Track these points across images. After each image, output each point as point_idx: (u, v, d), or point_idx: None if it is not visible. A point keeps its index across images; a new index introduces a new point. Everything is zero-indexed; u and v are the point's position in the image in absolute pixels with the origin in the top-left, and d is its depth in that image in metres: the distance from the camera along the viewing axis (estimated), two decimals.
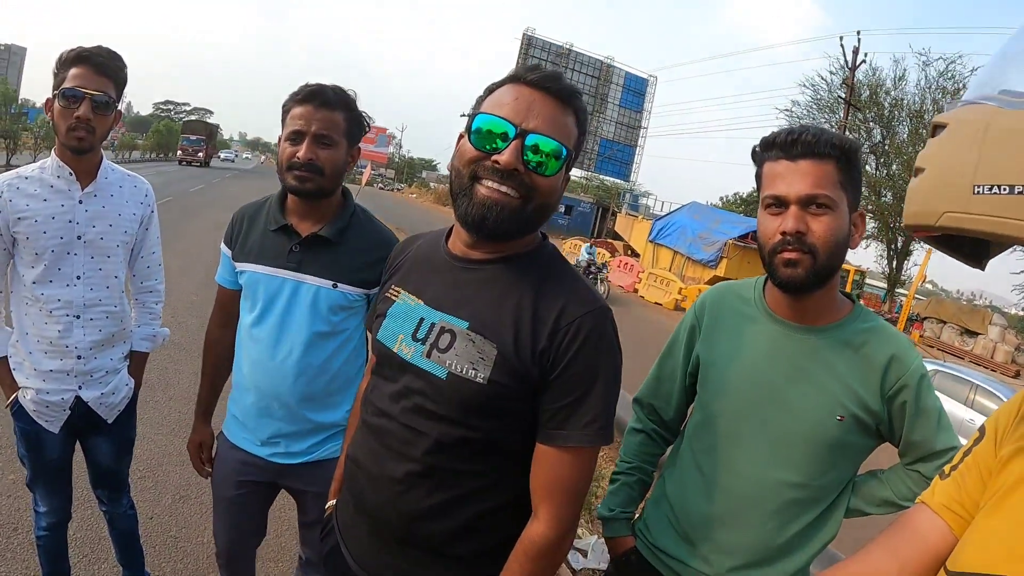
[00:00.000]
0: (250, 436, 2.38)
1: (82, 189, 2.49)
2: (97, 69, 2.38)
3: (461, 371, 1.51)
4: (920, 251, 34.23)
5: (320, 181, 2.18)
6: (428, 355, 1.56)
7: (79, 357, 2.55)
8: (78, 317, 2.52)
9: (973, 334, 32.35)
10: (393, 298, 1.72)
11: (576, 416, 1.50)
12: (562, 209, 43.52)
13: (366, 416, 1.73)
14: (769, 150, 1.73)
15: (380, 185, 79.73)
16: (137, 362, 2.83)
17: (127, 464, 2.93)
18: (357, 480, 1.72)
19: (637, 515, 2.14)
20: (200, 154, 57.28)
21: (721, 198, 52.76)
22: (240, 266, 2.35)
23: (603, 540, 4.00)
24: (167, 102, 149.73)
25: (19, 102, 39.10)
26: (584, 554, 4.38)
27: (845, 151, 1.66)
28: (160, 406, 5.63)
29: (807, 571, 1.88)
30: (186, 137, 59.40)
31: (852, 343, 1.76)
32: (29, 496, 3.16)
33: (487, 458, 1.59)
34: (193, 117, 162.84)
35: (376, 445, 1.66)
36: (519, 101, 1.47)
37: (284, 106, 2.24)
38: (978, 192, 0.81)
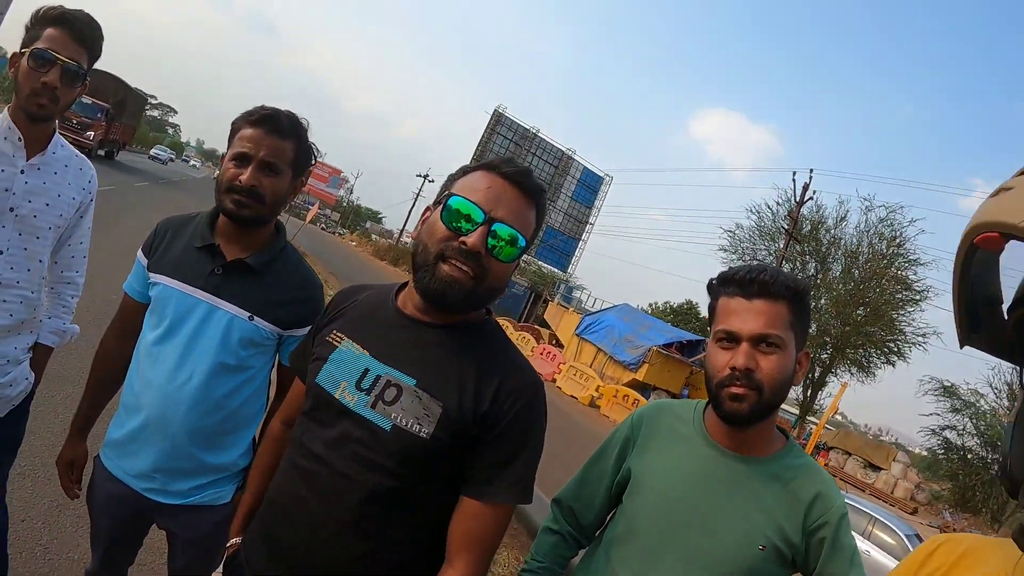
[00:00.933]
0: (127, 465, 2.20)
1: (27, 159, 2.28)
2: (75, 35, 2.21)
3: (406, 425, 1.59)
4: (835, 383, 35.22)
5: (259, 209, 2.11)
6: (373, 406, 1.62)
7: None
8: None
9: (876, 468, 33.36)
10: (335, 343, 1.75)
11: (504, 475, 1.62)
12: None
13: (296, 458, 1.73)
14: (726, 285, 1.80)
15: (323, 226, 78.85)
16: (41, 356, 2.59)
17: (9, 464, 2.66)
18: (275, 523, 1.74)
19: None
20: (91, 133, 29.79)
21: (651, 304, 53.63)
22: (155, 277, 2.21)
23: None
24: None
25: None
26: None
27: (798, 293, 1.75)
28: (55, 403, 5.25)
29: None
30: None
31: (782, 477, 1.80)
32: None
33: (415, 509, 1.66)
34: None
35: (304, 490, 1.67)
36: (491, 190, 1.60)
37: (234, 124, 2.15)
38: None
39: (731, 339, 1.75)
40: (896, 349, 35.98)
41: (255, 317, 2.15)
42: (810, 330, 1.85)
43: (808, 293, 1.80)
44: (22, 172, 2.27)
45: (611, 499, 2.06)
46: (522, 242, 1.63)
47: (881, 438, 45.56)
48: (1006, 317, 0.94)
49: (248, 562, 1.82)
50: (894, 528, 12.94)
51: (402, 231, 78.94)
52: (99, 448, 2.33)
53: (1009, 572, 0.95)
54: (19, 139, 2.25)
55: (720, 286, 1.83)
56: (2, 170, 2.23)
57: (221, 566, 1.98)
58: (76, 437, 2.46)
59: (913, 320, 35.16)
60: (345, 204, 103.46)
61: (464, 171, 1.70)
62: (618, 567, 1.90)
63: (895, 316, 35.34)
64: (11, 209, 2.25)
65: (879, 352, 36.40)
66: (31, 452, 4.32)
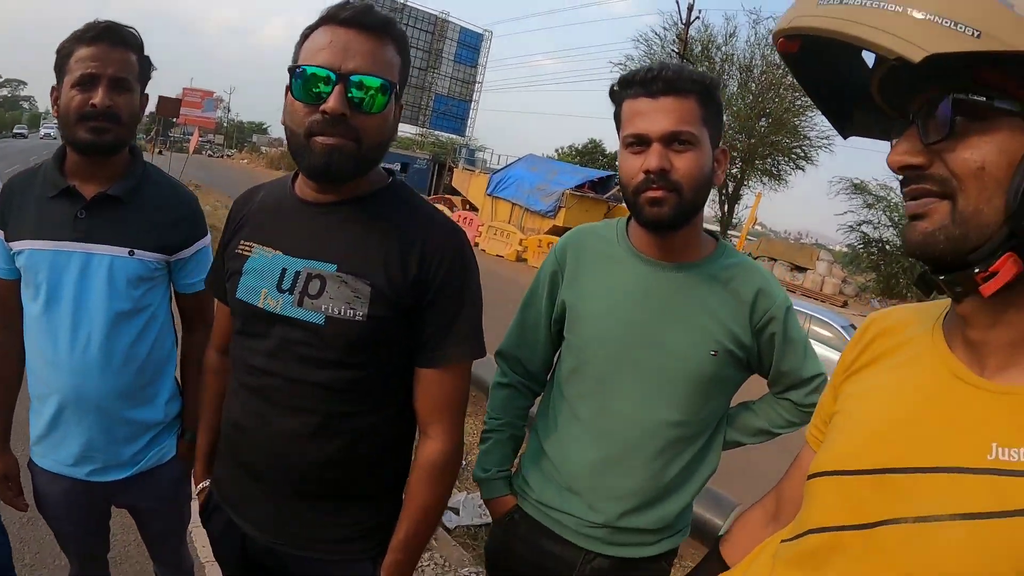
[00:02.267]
0: (61, 455, 2.08)
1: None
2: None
3: (339, 313, 1.54)
4: (750, 195, 36.17)
5: (119, 132, 1.93)
6: (300, 304, 1.57)
7: None
8: None
9: (803, 270, 34.85)
10: (246, 253, 1.66)
11: (452, 335, 1.60)
12: (398, 166, 43.26)
13: (242, 378, 1.68)
14: (628, 88, 1.70)
15: (209, 152, 75.84)
16: None
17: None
18: (242, 446, 1.70)
19: (514, 471, 2.11)
20: None
21: (556, 150, 53.64)
22: (16, 245, 1.99)
23: (473, 497, 4.48)
24: None
25: None
26: (456, 512, 4.43)
27: (706, 86, 1.66)
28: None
29: (691, 507, 1.95)
30: None
31: (720, 278, 1.77)
32: None
33: (375, 394, 1.64)
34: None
35: (262, 405, 1.63)
36: (334, 44, 1.46)
37: (64, 48, 1.94)
38: (821, 4, 0.91)
39: (641, 142, 1.66)
40: (803, 154, 37.43)
41: (136, 251, 2.00)
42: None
43: (718, 87, 1.72)
44: None
45: (553, 338, 2.02)
46: (387, 85, 1.48)
47: (802, 241, 47.14)
48: (873, 94, 1.00)
49: (225, 497, 1.79)
50: (830, 322, 13.38)
51: None
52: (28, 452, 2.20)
53: (930, 327, 1.04)
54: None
55: (623, 89, 1.72)
56: None
57: (197, 515, 1.95)
58: None
59: (816, 124, 35.99)
60: (226, 124, 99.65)
61: (304, 36, 1.54)
62: (577, 403, 1.88)
63: (797, 123, 36.25)
64: None
65: (787, 159, 37.59)
66: None
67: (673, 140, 1.62)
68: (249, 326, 1.66)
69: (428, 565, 3.85)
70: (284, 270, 1.59)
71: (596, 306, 1.84)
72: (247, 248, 1.67)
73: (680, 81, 1.62)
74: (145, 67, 2.04)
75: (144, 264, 2.01)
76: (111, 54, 1.90)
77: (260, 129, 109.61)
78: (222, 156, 77.99)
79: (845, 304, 30.81)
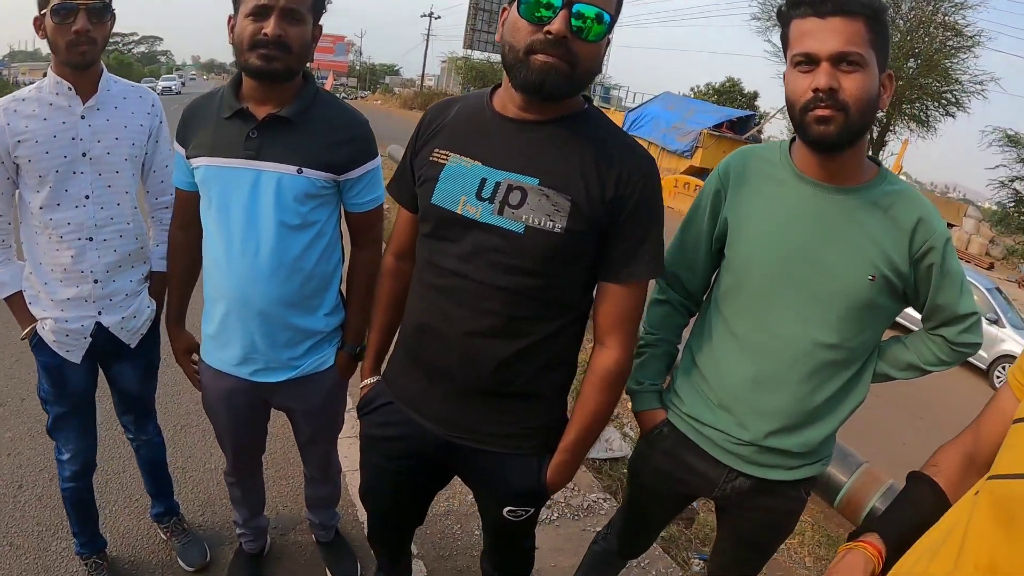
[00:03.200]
0: (227, 355, 2.25)
1: (83, 103, 2.33)
2: None
3: (539, 224, 1.62)
4: (896, 141, 34.09)
5: (288, 61, 1.99)
6: (500, 212, 1.64)
7: (96, 281, 2.42)
8: (91, 239, 2.38)
9: (948, 225, 32.10)
10: (442, 161, 1.74)
11: (639, 254, 1.68)
12: None
13: (431, 279, 1.77)
14: (797, 7, 1.69)
15: (344, 95, 77.58)
16: (157, 283, 2.65)
17: (153, 389, 2.86)
18: (425, 346, 1.81)
19: (665, 387, 2.15)
20: None
21: (692, 88, 51.71)
22: (194, 162, 2.13)
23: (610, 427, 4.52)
24: (113, 35, 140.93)
25: None
26: None
27: (875, 9, 1.63)
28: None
29: (835, 437, 1.97)
30: None
31: (880, 204, 1.76)
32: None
33: (558, 302, 1.73)
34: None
35: (448, 305, 1.73)
36: None
37: None
38: None
39: (810, 61, 1.65)
40: (954, 99, 34.19)
41: (304, 169, 2.06)
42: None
43: (886, 11, 1.67)
44: (83, 117, 2.32)
45: (713, 257, 2.02)
46: (607, 17, 1.55)
47: (949, 195, 44.43)
48: None
49: (402, 396, 1.90)
50: (976, 284, 12.97)
51: (423, 76, 77.61)
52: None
53: None
54: (69, 88, 2.29)
55: (791, 9, 1.70)
56: (63, 122, 2.30)
57: (355, 410, 2.07)
58: (176, 328, 2.51)
59: (968, 68, 32.82)
60: (358, 67, 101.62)
61: None
62: (733, 320, 1.91)
63: (948, 65, 33.09)
64: (83, 154, 2.32)
65: (936, 104, 34.76)
66: None
67: (841, 60, 1.61)
68: (442, 230, 1.73)
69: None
70: (484, 180, 1.67)
71: (758, 225, 1.85)
72: (443, 156, 1.74)
73: (849, 3, 1.61)
74: (319, 0, 2.09)
75: (312, 182, 2.08)
76: None
77: (392, 71, 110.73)
78: (356, 98, 79.67)
79: (991, 267, 29.01)
